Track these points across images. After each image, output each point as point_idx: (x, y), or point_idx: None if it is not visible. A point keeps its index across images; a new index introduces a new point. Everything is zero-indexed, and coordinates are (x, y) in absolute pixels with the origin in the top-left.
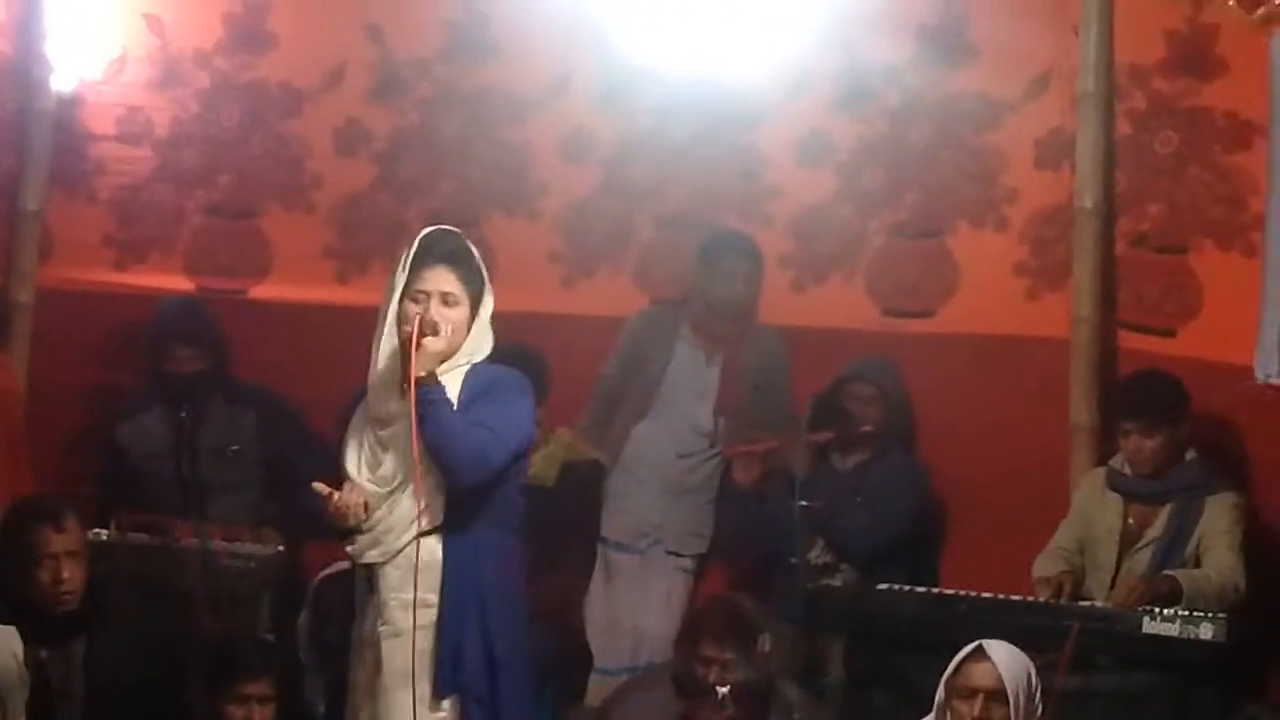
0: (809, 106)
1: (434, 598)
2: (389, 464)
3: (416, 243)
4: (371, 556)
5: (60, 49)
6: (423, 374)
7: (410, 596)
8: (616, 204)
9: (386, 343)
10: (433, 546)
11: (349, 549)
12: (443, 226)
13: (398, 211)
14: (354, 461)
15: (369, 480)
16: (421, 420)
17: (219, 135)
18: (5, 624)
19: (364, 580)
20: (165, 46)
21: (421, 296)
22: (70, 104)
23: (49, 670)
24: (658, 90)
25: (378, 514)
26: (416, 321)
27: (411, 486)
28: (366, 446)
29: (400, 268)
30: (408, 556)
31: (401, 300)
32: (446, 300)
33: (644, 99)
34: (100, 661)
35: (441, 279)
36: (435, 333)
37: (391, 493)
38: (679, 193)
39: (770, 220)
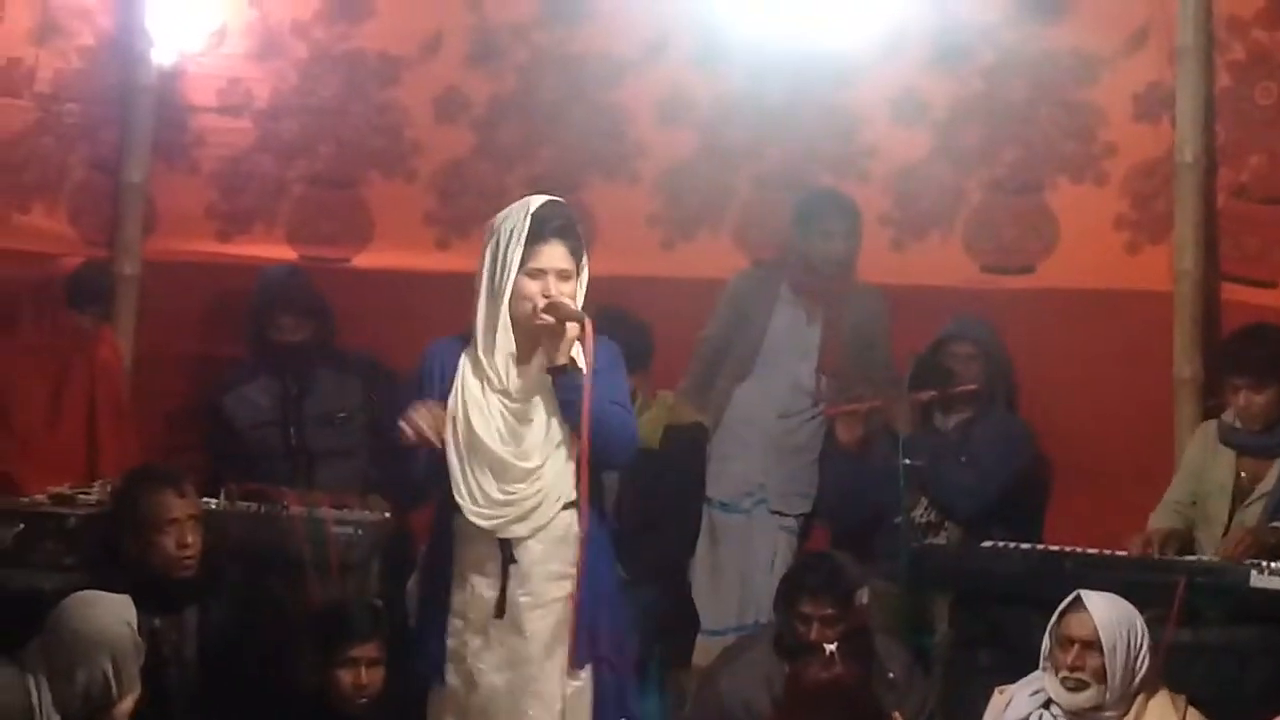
0: (904, 65)
1: (572, 570)
2: (530, 439)
3: (529, 217)
4: (517, 531)
5: (161, 23)
6: (567, 360)
7: (554, 569)
8: (714, 165)
9: (502, 316)
10: (569, 520)
11: (484, 523)
12: (552, 198)
13: (498, 177)
14: (487, 431)
15: (511, 455)
16: (569, 405)
17: (318, 105)
18: (118, 592)
19: (481, 550)
20: (264, 18)
21: (539, 274)
22: (171, 77)
23: (162, 638)
24: (753, 51)
25: (520, 488)
26: (559, 307)
27: (552, 463)
28: (499, 417)
29: (514, 241)
30: (549, 530)
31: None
32: (562, 276)
33: (739, 60)
34: (212, 629)
35: (557, 255)
36: (577, 319)
37: (535, 469)
38: (776, 153)
39: (867, 178)
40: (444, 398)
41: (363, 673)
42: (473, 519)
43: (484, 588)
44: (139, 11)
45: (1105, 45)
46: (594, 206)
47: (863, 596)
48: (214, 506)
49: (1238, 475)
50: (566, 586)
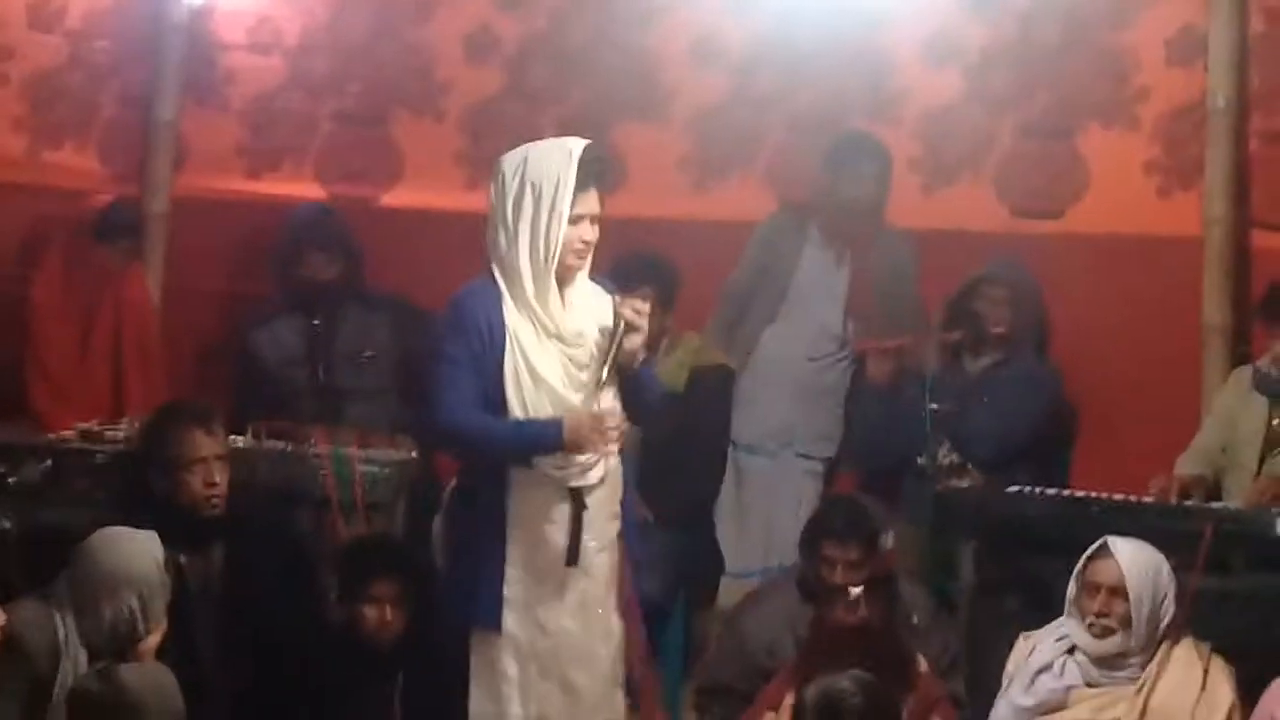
0: (937, 8)
1: (619, 509)
2: (589, 384)
3: (576, 163)
4: (590, 478)
5: None
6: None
7: (612, 509)
8: (745, 109)
9: (552, 263)
10: (616, 460)
11: (558, 473)
12: (587, 141)
13: (529, 118)
14: (553, 378)
15: (579, 400)
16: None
17: (348, 43)
18: (145, 528)
19: (545, 498)
20: None
21: (577, 219)
22: (201, 14)
23: (188, 575)
24: None
25: None
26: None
27: (607, 407)
28: (558, 364)
29: (562, 189)
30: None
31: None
32: (594, 220)
33: (770, 3)
34: (238, 566)
35: (592, 201)
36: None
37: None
38: (807, 96)
39: (898, 122)
40: (494, 350)
41: (387, 610)
42: (548, 471)
43: (551, 534)
44: None
45: None
46: (624, 149)
47: (888, 540)
48: (241, 444)
49: (1270, 423)
50: (617, 525)
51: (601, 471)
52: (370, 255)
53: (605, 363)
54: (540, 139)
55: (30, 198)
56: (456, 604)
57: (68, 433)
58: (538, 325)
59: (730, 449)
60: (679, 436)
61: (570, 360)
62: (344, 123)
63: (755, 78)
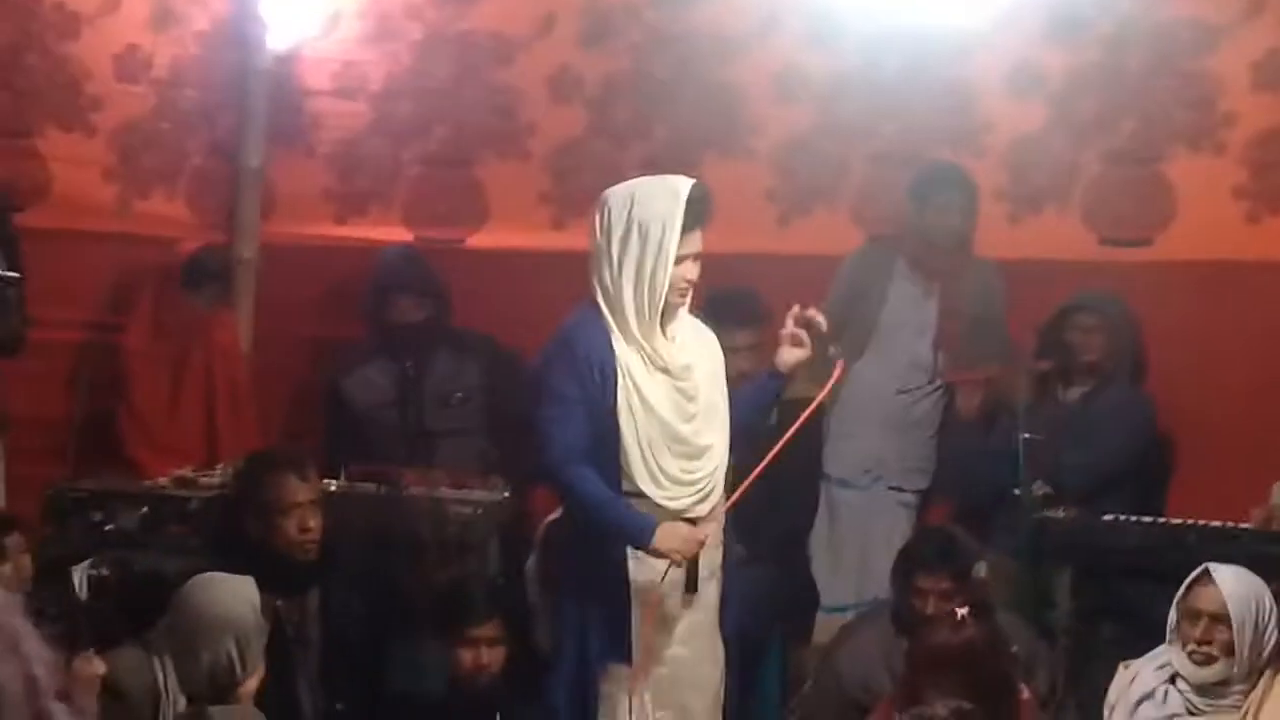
0: (1019, 37)
1: (723, 539)
2: (699, 416)
3: (684, 204)
4: (700, 511)
5: (275, 7)
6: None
7: (719, 539)
8: (829, 142)
9: (658, 301)
10: (721, 495)
11: (672, 504)
12: (694, 181)
13: (613, 156)
14: (665, 410)
15: (690, 433)
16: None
17: (432, 86)
18: (241, 573)
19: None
20: (378, 1)
21: (681, 259)
22: (287, 61)
23: (285, 619)
24: (866, 25)
25: (699, 465)
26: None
27: (720, 437)
28: (668, 397)
29: (669, 230)
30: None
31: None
32: (697, 259)
33: (852, 35)
34: (335, 610)
35: (697, 240)
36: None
37: (708, 446)
38: (891, 128)
39: (983, 153)
40: (606, 383)
41: (483, 652)
42: (662, 502)
43: (664, 565)
44: None
45: (1223, 13)
46: (710, 183)
47: (980, 570)
48: (334, 488)
49: None
50: (720, 554)
51: (714, 502)
52: (458, 297)
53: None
54: (625, 177)
55: (121, 246)
56: (583, 640)
57: (163, 480)
58: (645, 359)
59: (823, 483)
60: (772, 470)
61: (680, 392)
62: (429, 166)
63: (838, 110)
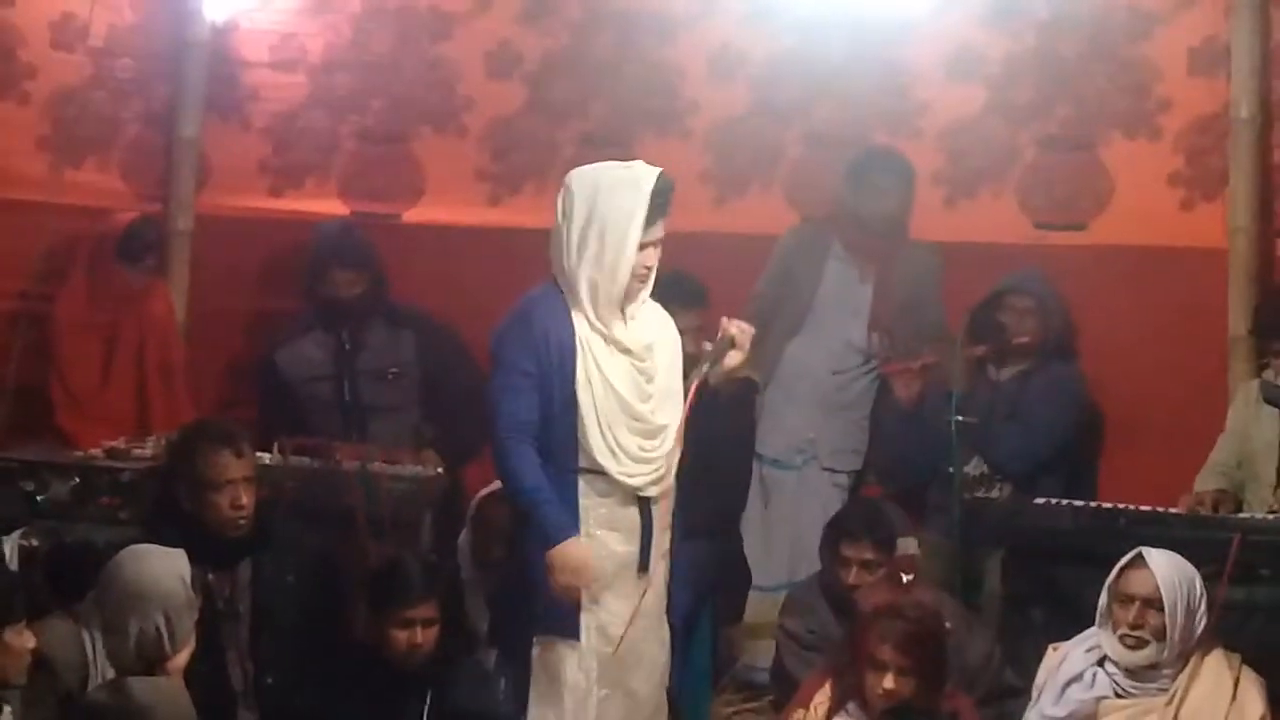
0: (957, 21)
1: (669, 519)
2: (655, 396)
3: (648, 199)
4: (652, 491)
5: None
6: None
7: (668, 521)
8: (766, 122)
9: (618, 287)
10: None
11: (630, 480)
12: (659, 171)
13: (550, 133)
14: (626, 388)
15: (648, 412)
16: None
17: (371, 60)
18: (172, 546)
19: (611, 508)
20: None
21: (644, 246)
22: (224, 32)
23: (215, 593)
24: (804, 7)
25: (654, 444)
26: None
27: (673, 426)
28: (628, 376)
29: (633, 221)
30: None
31: None
32: (657, 245)
33: (791, 16)
34: (265, 584)
35: (658, 229)
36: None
37: (664, 426)
38: (828, 110)
39: (920, 135)
40: (563, 359)
41: (418, 632)
42: (620, 478)
43: (616, 544)
44: None
45: (1159, 0)
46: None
47: (911, 546)
48: (267, 461)
49: None
50: (669, 536)
51: (669, 482)
52: (394, 272)
53: (703, 373)
54: (561, 155)
55: (53, 216)
56: (528, 614)
57: (94, 451)
58: (607, 338)
59: (756, 462)
60: (704, 449)
61: (641, 372)
62: (366, 140)
63: (776, 91)
